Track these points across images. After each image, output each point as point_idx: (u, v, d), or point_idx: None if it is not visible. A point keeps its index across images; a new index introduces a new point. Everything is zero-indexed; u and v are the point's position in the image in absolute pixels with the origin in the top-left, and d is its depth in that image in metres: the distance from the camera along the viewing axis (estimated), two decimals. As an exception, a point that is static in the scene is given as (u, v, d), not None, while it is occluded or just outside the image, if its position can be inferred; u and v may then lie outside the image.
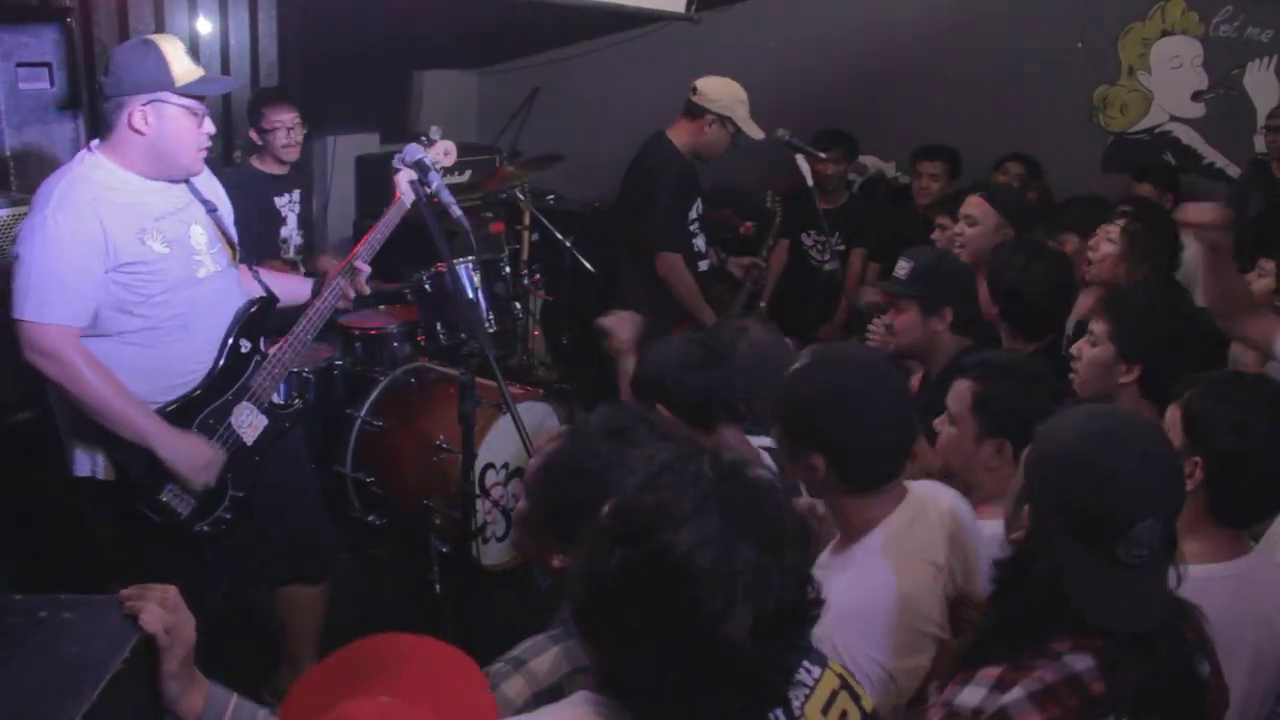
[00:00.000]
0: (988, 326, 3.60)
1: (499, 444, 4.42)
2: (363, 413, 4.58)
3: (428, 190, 3.23)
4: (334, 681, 1.38)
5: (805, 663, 1.65)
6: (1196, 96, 5.89)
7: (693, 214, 4.99)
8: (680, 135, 4.86)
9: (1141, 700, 1.77)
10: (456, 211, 3.09)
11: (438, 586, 4.28)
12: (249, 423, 3.25)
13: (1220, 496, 2.25)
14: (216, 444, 3.14)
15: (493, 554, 4.44)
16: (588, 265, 5.76)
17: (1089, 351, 2.98)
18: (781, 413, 2.30)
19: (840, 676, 1.72)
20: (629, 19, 6.68)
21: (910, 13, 6.30)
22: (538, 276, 6.23)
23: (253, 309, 3.29)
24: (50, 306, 2.90)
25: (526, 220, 6.19)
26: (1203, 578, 2.13)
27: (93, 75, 4.21)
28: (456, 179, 6.35)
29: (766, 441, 2.85)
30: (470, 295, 4.09)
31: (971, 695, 1.78)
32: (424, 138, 3.49)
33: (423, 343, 4.85)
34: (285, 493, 3.44)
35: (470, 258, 4.21)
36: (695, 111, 4.83)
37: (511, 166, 6.28)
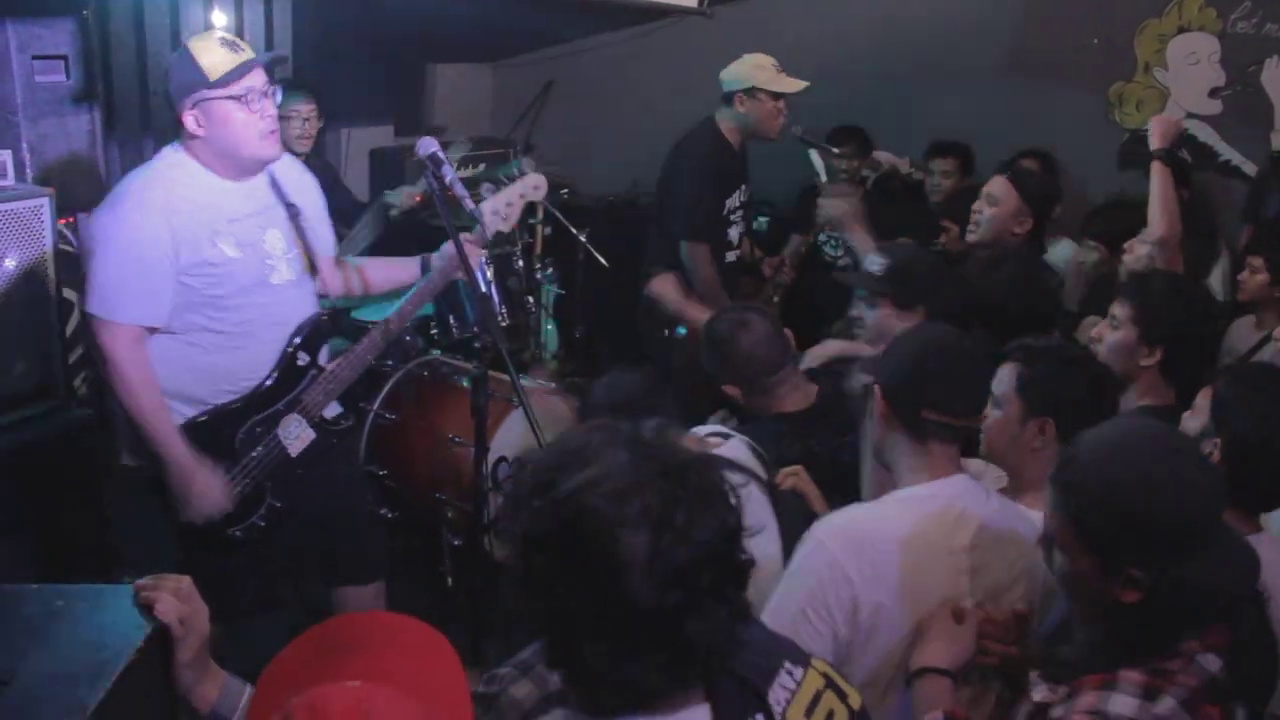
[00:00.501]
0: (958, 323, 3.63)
1: (511, 438, 4.42)
2: (375, 406, 4.59)
3: (441, 183, 3.24)
4: (309, 659, 1.38)
5: (786, 663, 1.63)
6: (1213, 93, 5.85)
7: (734, 201, 4.95)
8: (724, 122, 4.85)
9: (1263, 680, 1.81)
10: (470, 205, 3.09)
11: (449, 580, 4.28)
12: (296, 435, 3.26)
13: (1236, 480, 2.25)
14: (255, 468, 3.17)
15: (504, 548, 4.44)
16: (601, 259, 5.76)
17: (1110, 335, 3.04)
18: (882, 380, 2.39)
19: (824, 675, 1.68)
20: (643, 13, 6.67)
21: (925, 7, 6.28)
22: (550, 270, 6.23)
23: (315, 321, 3.30)
24: (114, 305, 2.96)
25: (540, 214, 6.19)
26: None
27: (109, 68, 4.22)
28: (470, 172, 6.36)
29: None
30: (483, 289, 4.09)
31: (1124, 705, 1.75)
32: (519, 169, 3.56)
33: (435, 336, 4.87)
34: (338, 496, 3.48)
35: (483, 251, 4.21)
36: (726, 98, 4.82)
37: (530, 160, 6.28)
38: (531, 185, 3.53)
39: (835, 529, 2.22)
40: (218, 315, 3.08)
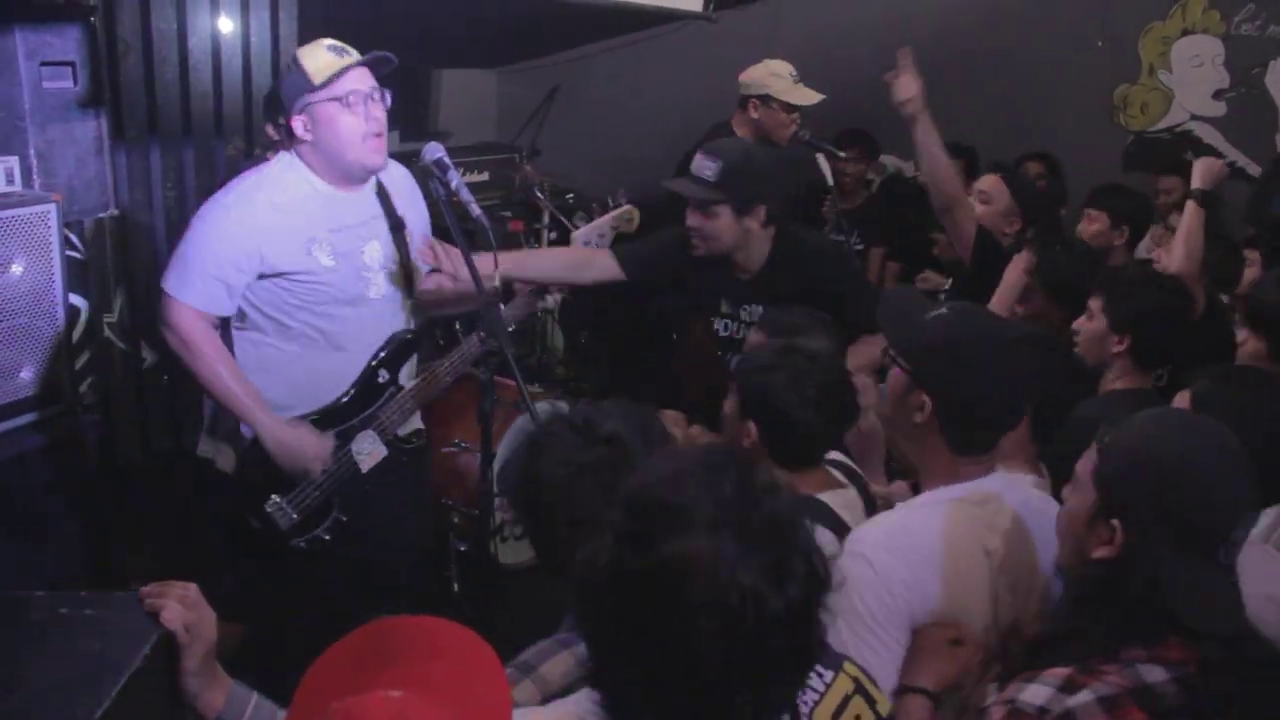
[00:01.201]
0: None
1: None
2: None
3: (447, 188, 3.24)
4: (354, 664, 1.37)
5: (817, 666, 1.61)
6: (1217, 95, 5.87)
7: None
8: (740, 127, 4.85)
9: (1230, 707, 1.75)
10: (476, 210, 3.10)
11: (456, 585, 4.28)
12: (368, 451, 3.27)
13: None
14: (329, 437, 3.16)
15: (510, 553, 4.45)
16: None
17: (1086, 325, 3.22)
18: (906, 347, 2.28)
19: (855, 680, 1.68)
20: (647, 18, 6.66)
21: (929, 11, 6.29)
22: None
23: (400, 339, 3.32)
24: (187, 286, 3.00)
25: (545, 219, 6.19)
26: None
27: (116, 74, 4.23)
28: (476, 177, 6.36)
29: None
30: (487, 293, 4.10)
31: (1036, 694, 1.76)
32: (611, 200, 3.59)
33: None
34: (394, 524, 3.44)
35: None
36: (741, 103, 4.82)
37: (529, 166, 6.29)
38: (625, 218, 3.60)
39: (875, 542, 2.14)
40: (309, 322, 3.11)
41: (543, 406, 3.69)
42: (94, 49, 3.76)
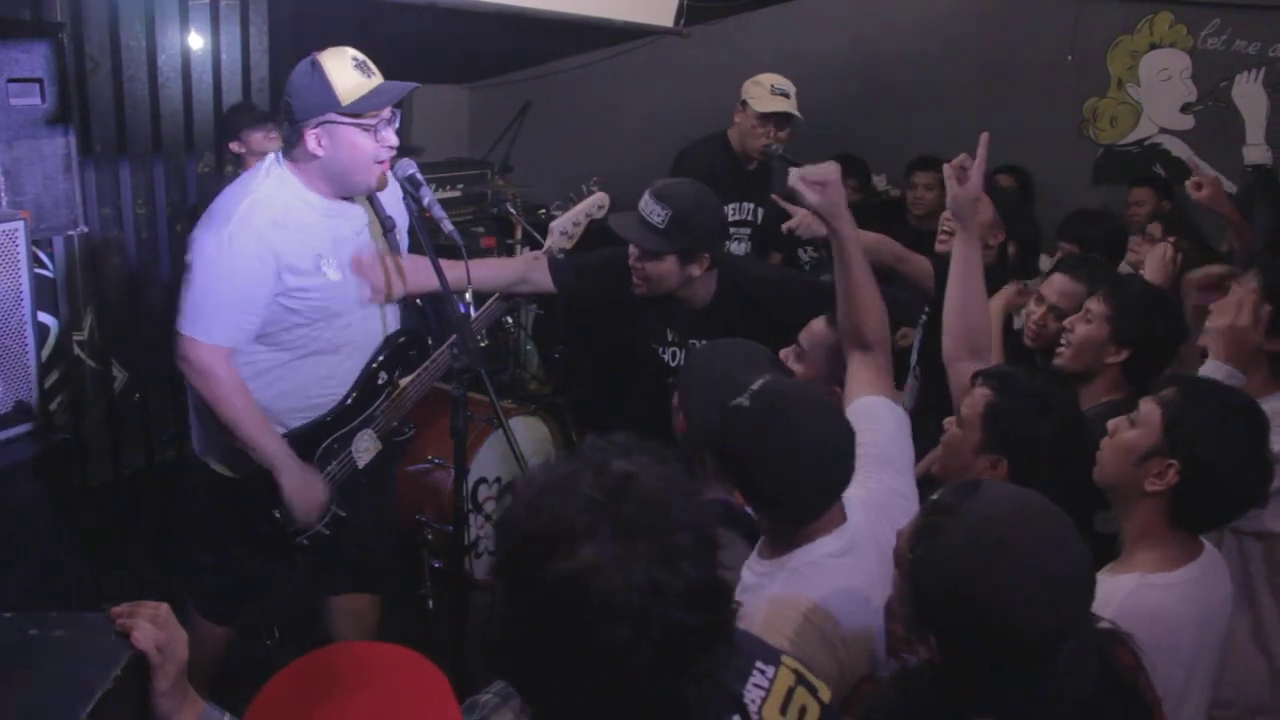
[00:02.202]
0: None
1: (491, 459, 4.41)
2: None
3: (419, 204, 3.24)
4: (300, 696, 1.35)
5: (758, 662, 1.64)
6: (1185, 109, 5.92)
7: (734, 214, 4.94)
8: (731, 134, 4.88)
9: None
10: (448, 226, 3.09)
11: (430, 602, 4.27)
12: (366, 448, 3.30)
13: (1186, 502, 2.27)
14: (329, 482, 3.18)
15: (485, 569, 4.43)
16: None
17: (1082, 328, 3.06)
18: (712, 444, 2.28)
19: (795, 672, 1.69)
20: (619, 33, 6.69)
21: (900, 26, 6.33)
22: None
23: (397, 342, 3.32)
24: (209, 327, 2.94)
25: (518, 235, 6.19)
26: (1160, 586, 2.21)
27: (84, 91, 4.21)
28: (448, 193, 6.35)
29: None
30: (462, 310, 4.08)
31: None
32: (585, 188, 3.59)
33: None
34: (376, 509, 3.48)
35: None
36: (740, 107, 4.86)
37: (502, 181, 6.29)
38: (596, 204, 3.59)
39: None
40: (314, 334, 3.09)
41: (520, 422, 3.70)
42: (62, 65, 3.74)
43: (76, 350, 4.43)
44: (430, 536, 4.32)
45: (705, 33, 6.66)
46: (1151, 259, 3.79)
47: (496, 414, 3.07)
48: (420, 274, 3.30)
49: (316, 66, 2.91)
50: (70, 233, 3.89)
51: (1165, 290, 3.44)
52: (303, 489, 3.08)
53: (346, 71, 2.91)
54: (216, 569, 3.34)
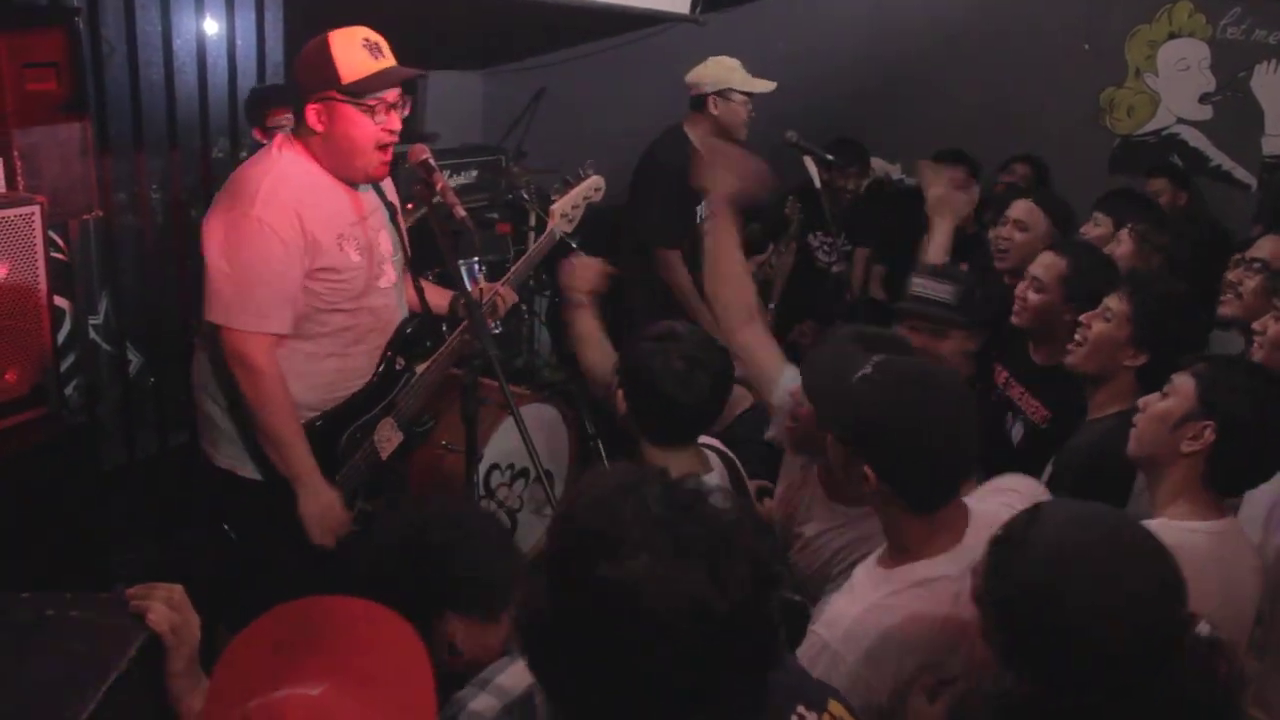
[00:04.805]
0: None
1: (504, 445, 4.41)
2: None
3: (432, 190, 3.23)
4: (273, 649, 1.33)
5: (800, 706, 1.59)
6: (1203, 99, 5.88)
7: (705, 209, 4.93)
8: (695, 128, 4.86)
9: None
10: (461, 212, 3.09)
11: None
12: (388, 438, 3.25)
13: (1221, 462, 2.31)
14: (352, 474, 3.17)
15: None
16: (594, 266, 5.75)
17: (1100, 326, 2.95)
18: (837, 418, 2.21)
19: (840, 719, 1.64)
20: (634, 20, 6.68)
21: (916, 14, 6.31)
22: (544, 277, 6.23)
23: (411, 327, 3.28)
24: (256, 315, 2.86)
25: (532, 221, 6.19)
26: (1186, 529, 2.25)
27: (100, 76, 4.22)
28: (462, 179, 6.36)
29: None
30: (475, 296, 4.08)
31: None
32: (581, 171, 3.59)
33: (429, 345, 4.86)
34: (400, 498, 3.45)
35: (475, 258, 4.20)
36: (696, 103, 4.84)
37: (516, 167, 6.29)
38: (593, 187, 3.60)
39: (845, 633, 2.07)
40: (334, 320, 3.03)
41: (533, 409, 3.71)
42: (78, 51, 3.74)
43: (92, 334, 4.44)
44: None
45: (721, 20, 6.65)
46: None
47: (507, 400, 3.06)
48: (433, 296, 3.39)
49: (323, 43, 2.88)
50: (86, 217, 3.90)
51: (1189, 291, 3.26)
52: (320, 508, 3.02)
53: (354, 51, 2.87)
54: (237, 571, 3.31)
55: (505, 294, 3.38)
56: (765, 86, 4.79)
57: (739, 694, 1.34)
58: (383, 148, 2.97)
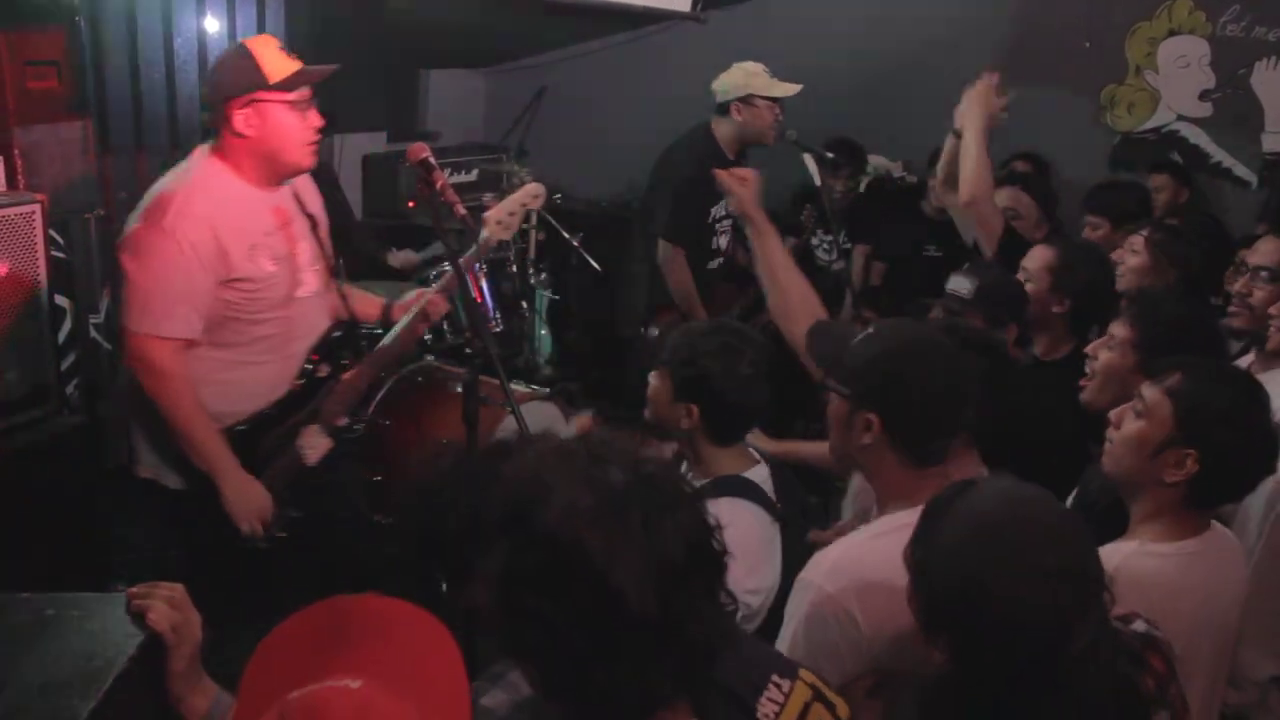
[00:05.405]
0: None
1: (505, 443, 4.41)
2: (370, 411, 4.57)
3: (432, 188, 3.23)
4: (305, 647, 1.33)
5: (774, 676, 1.61)
6: (1204, 96, 5.88)
7: (720, 210, 4.94)
8: (721, 131, 4.86)
9: None
10: (461, 210, 3.09)
11: (444, 585, 4.27)
12: (314, 445, 3.26)
13: (1203, 487, 2.23)
14: (276, 481, 3.17)
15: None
16: (594, 264, 5.75)
17: (1105, 356, 2.87)
18: (841, 371, 2.25)
19: (813, 687, 1.66)
20: (635, 19, 6.68)
21: (915, 11, 6.30)
22: (544, 275, 6.23)
23: (335, 333, 3.31)
24: (162, 320, 2.92)
25: (533, 219, 6.19)
26: (1159, 553, 2.20)
27: (101, 75, 4.22)
28: (463, 177, 6.36)
29: None
30: (475, 294, 4.08)
31: None
32: (519, 178, 3.55)
33: (429, 341, 4.86)
34: (342, 506, 3.49)
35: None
36: (720, 110, 4.83)
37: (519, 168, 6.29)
38: (531, 194, 3.55)
39: (834, 571, 2.10)
40: (250, 329, 3.08)
41: (534, 407, 3.70)
42: (79, 49, 3.74)
43: (93, 333, 4.44)
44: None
45: (722, 18, 6.64)
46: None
47: (507, 398, 3.06)
48: (359, 302, 3.41)
49: (243, 48, 2.98)
50: (87, 215, 3.91)
51: (1197, 309, 3.13)
52: (244, 498, 3.06)
53: (274, 53, 2.97)
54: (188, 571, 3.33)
55: (435, 301, 3.36)
56: (788, 90, 4.77)
57: (717, 621, 1.37)
58: (308, 144, 3.05)
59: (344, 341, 3.36)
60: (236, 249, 2.96)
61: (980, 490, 1.76)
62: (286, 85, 2.95)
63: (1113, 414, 2.39)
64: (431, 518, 1.75)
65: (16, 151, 3.67)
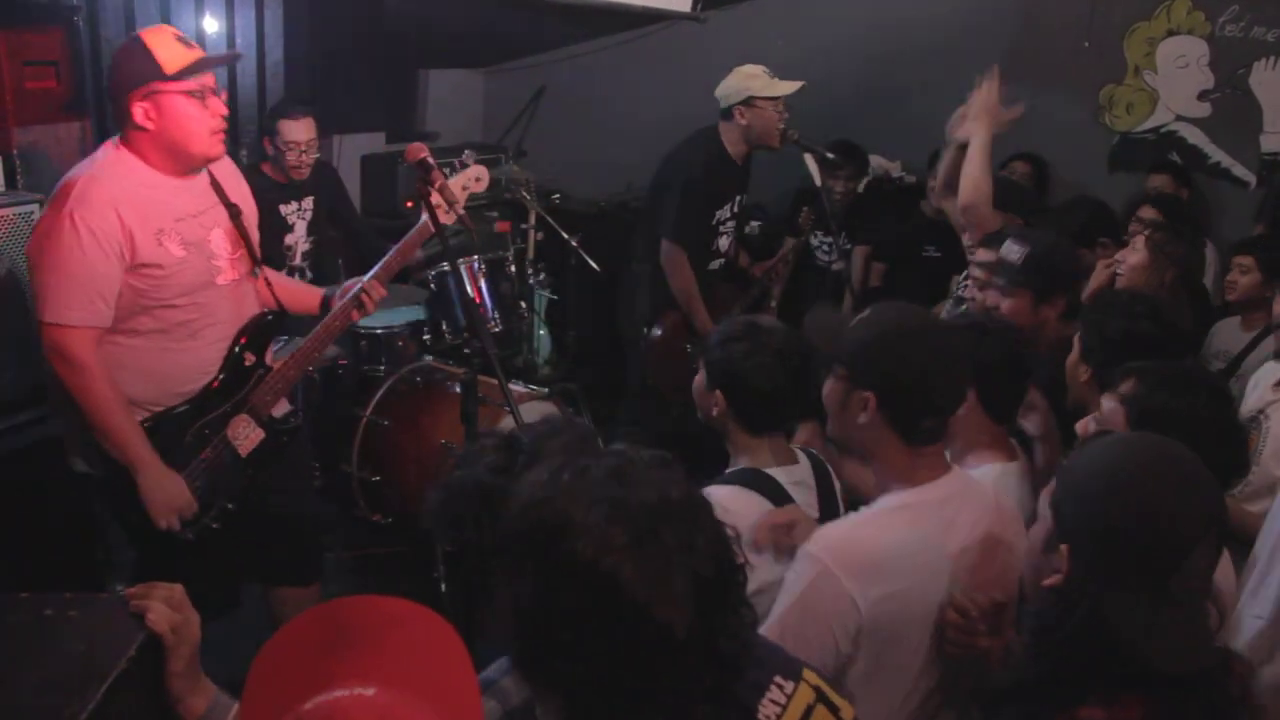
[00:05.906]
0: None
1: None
2: (368, 411, 4.58)
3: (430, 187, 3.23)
4: (312, 652, 1.33)
5: (777, 677, 1.60)
6: (1202, 96, 5.88)
7: (724, 213, 4.97)
8: (728, 135, 4.86)
9: None
10: (460, 210, 3.09)
11: (443, 586, 4.28)
12: (245, 435, 3.24)
13: None
14: (202, 471, 3.15)
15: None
16: (593, 264, 5.75)
17: (1071, 357, 2.96)
18: (841, 350, 2.28)
19: (816, 689, 1.65)
20: (635, 18, 6.67)
21: (916, 12, 6.29)
22: (543, 275, 6.23)
23: (261, 321, 3.28)
24: (71, 308, 2.89)
25: (532, 219, 6.19)
26: None
27: (100, 75, 4.22)
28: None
29: None
30: (473, 294, 4.08)
31: None
32: (460, 160, 3.51)
33: (428, 341, 4.86)
34: (286, 496, 3.44)
35: (475, 256, 4.19)
36: (725, 114, 4.83)
37: (517, 167, 6.29)
38: (473, 177, 3.55)
39: (833, 546, 2.13)
40: (164, 316, 3.03)
41: (532, 407, 3.70)
42: (77, 50, 3.74)
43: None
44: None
45: (722, 18, 6.64)
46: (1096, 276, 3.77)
47: (506, 398, 3.06)
48: (294, 294, 3.42)
49: (136, 40, 2.95)
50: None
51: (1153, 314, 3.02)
52: (160, 491, 3.03)
53: (170, 44, 2.94)
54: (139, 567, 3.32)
55: (372, 287, 3.34)
56: (789, 88, 4.77)
57: (743, 636, 1.37)
58: (215, 132, 3.02)
59: (270, 330, 3.33)
60: (142, 234, 2.93)
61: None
62: (183, 74, 2.91)
63: (1078, 426, 2.45)
64: (449, 526, 1.75)
65: (15, 151, 3.67)
